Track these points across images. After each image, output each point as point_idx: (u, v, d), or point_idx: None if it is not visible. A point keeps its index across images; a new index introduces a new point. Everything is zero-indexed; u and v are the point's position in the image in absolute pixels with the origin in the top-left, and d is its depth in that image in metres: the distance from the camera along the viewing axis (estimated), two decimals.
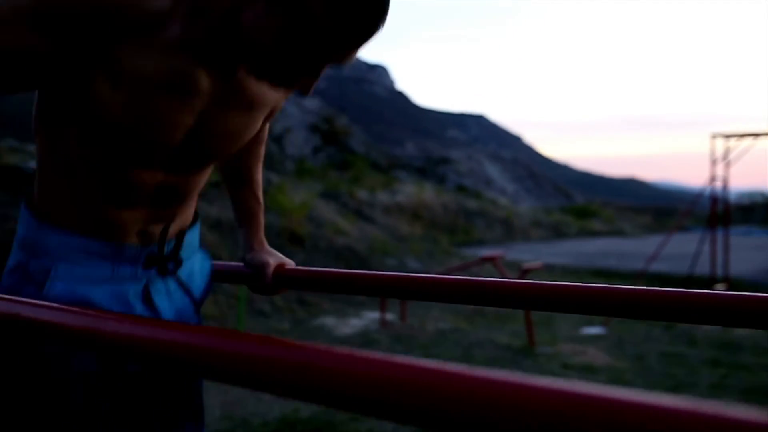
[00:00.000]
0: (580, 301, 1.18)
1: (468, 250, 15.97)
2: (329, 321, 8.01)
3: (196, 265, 1.42)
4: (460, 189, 26.72)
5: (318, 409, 4.75)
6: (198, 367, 0.71)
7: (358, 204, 16.65)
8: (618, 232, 24.35)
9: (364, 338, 7.11)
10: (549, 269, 13.39)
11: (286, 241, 9.98)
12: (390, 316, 8.23)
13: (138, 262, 1.26)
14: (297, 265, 1.56)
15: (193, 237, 1.41)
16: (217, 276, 1.55)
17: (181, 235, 1.35)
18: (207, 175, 1.33)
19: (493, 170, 37.57)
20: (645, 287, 1.14)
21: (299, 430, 4.39)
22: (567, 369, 5.84)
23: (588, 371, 5.79)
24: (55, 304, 0.87)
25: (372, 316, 8.36)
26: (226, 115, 1.19)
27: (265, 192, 12.76)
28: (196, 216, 1.42)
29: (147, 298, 1.28)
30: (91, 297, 1.18)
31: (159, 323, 0.78)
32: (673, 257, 13.41)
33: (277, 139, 29.92)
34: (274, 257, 1.52)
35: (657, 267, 12.42)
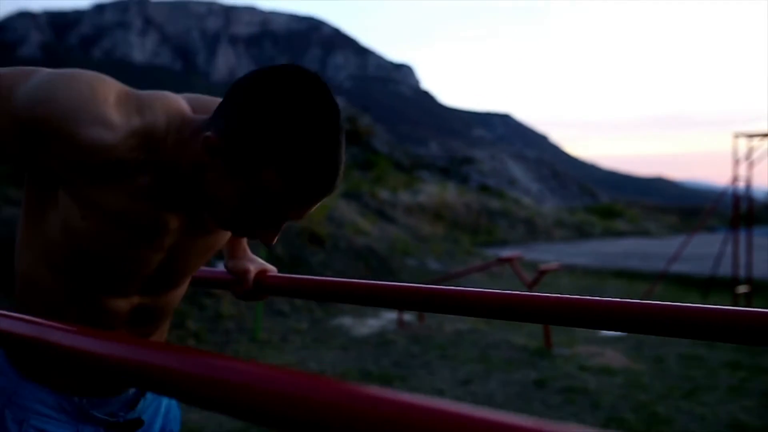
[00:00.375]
0: (595, 316, 1.15)
1: (490, 250, 15.92)
2: (347, 321, 8.04)
3: (164, 401, 1.46)
4: (483, 189, 26.61)
5: None
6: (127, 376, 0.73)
7: (380, 204, 16.67)
8: (643, 232, 24.11)
9: (381, 338, 7.13)
10: (570, 270, 13.31)
11: (306, 241, 10.02)
12: (408, 317, 8.24)
13: (101, 426, 1.31)
14: (316, 265, 1.59)
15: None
16: (202, 282, 1.58)
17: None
18: (182, 293, 1.38)
19: (516, 170, 37.38)
20: (660, 302, 1.11)
21: None
22: (584, 371, 5.81)
23: (605, 373, 5.75)
24: None
25: (390, 316, 8.37)
26: (197, 242, 1.25)
27: None
28: None
29: None
30: None
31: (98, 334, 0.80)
32: (697, 258, 13.26)
33: None
34: (255, 264, 1.55)
35: (680, 268, 12.29)
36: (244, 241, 1.58)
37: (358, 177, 21.62)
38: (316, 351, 6.58)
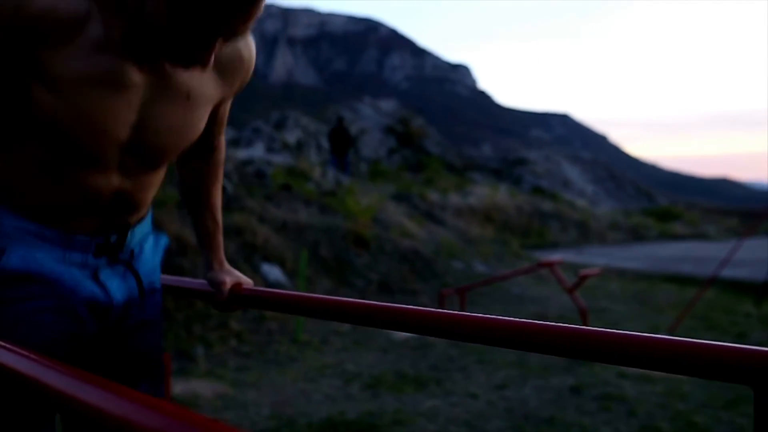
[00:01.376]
0: (632, 353, 1.10)
1: (539, 253, 15.75)
2: None
3: (147, 247, 1.52)
4: (536, 190, 26.33)
5: (363, 411, 4.83)
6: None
7: (429, 206, 16.66)
8: (701, 236, 23.49)
9: (421, 342, 7.14)
10: (621, 274, 13.07)
11: (351, 244, 10.10)
12: None
13: (89, 251, 1.36)
14: (360, 268, 1.66)
15: (143, 226, 1.50)
16: (182, 292, 1.64)
17: (129, 226, 1.44)
18: (159, 181, 1.43)
19: (571, 171, 36.85)
20: (695, 340, 1.05)
21: (342, 431, 4.47)
22: (623, 378, 5.73)
23: (644, 381, 5.66)
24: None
25: None
26: (166, 108, 1.28)
27: (333, 194, 12.95)
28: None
29: (96, 279, 1.38)
30: (44, 270, 1.29)
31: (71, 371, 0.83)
32: (755, 262, 12.87)
33: (328, 132, 30.27)
34: (232, 276, 1.61)
35: (735, 273, 11.95)
36: (221, 253, 1.64)
37: (409, 179, 21.65)
38: (355, 353, 6.64)
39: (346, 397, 5.22)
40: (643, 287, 11.77)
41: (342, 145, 17.69)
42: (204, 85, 1.33)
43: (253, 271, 8.16)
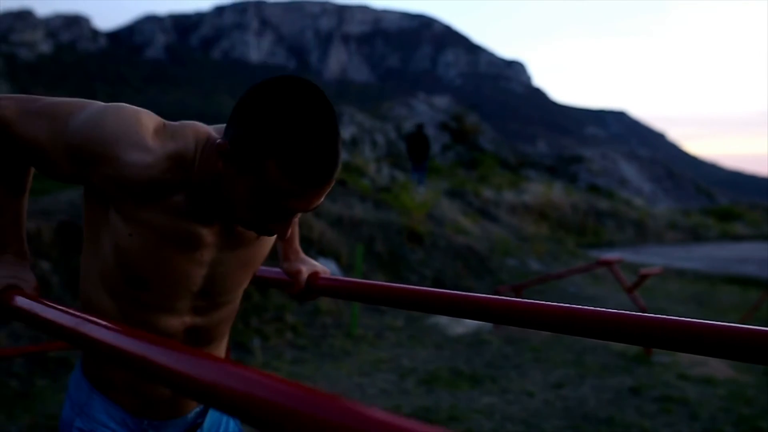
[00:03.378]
0: (693, 339, 1.07)
1: (595, 252, 15.51)
2: (443, 320, 8.04)
3: (221, 429, 1.55)
4: (592, 189, 25.92)
5: (418, 406, 4.82)
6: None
7: (483, 203, 16.56)
8: (764, 236, 22.79)
9: (476, 338, 7.11)
10: (680, 274, 12.79)
11: (405, 239, 10.10)
12: None
13: None
14: (414, 263, 1.66)
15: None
16: (259, 281, 1.66)
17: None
18: (234, 311, 1.48)
19: (628, 169, 36.16)
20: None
21: None
22: (684, 380, 5.61)
23: (707, 383, 5.53)
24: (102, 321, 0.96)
25: None
26: (237, 255, 1.36)
27: (388, 190, 12.96)
28: None
29: None
30: None
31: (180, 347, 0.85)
32: None
33: (405, 137, 30.24)
34: (308, 265, 1.64)
35: None
36: (296, 243, 1.67)
37: (463, 175, 21.54)
38: (410, 348, 6.64)
39: (401, 391, 5.22)
40: (703, 288, 11.49)
41: (420, 151, 16.98)
42: None
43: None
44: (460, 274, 9.96)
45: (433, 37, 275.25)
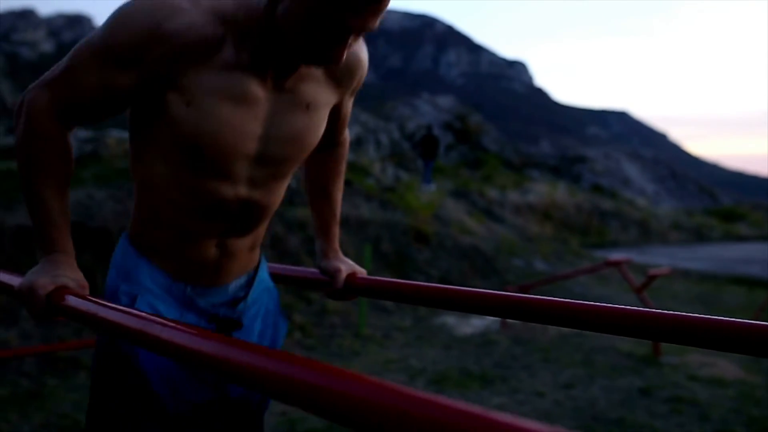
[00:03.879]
0: (705, 335, 1.09)
1: (600, 252, 15.51)
2: (450, 320, 8.05)
3: (261, 308, 1.56)
4: (596, 189, 25.88)
5: None
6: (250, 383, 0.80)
7: (488, 203, 16.56)
8: (767, 237, 22.79)
9: (484, 338, 7.11)
10: (685, 275, 12.78)
11: (412, 239, 10.10)
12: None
13: (203, 317, 1.45)
14: (421, 263, 1.67)
15: (262, 277, 1.57)
16: (295, 281, 1.67)
17: (250, 281, 1.53)
18: (283, 190, 1.49)
19: (631, 169, 36.14)
20: None
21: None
22: (693, 381, 5.61)
23: (717, 384, 5.53)
24: (150, 316, 0.98)
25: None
26: (288, 118, 1.36)
27: (393, 190, 12.97)
28: (260, 256, 1.59)
29: None
30: None
31: (224, 339, 0.87)
32: None
33: (409, 137, 30.21)
34: (346, 265, 1.64)
35: None
36: (335, 243, 1.67)
37: (467, 175, 21.54)
38: (418, 348, 6.65)
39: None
40: (709, 288, 11.49)
41: (431, 152, 17.53)
42: (321, 93, 1.40)
43: (316, 266, 8.23)
44: (466, 274, 9.97)
45: (434, 36, 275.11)
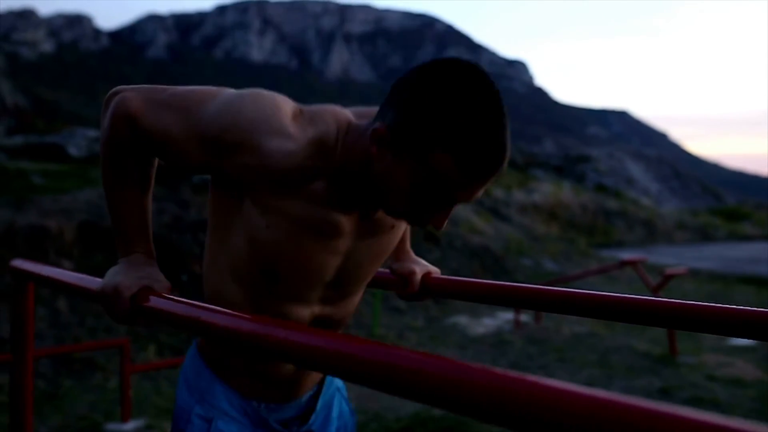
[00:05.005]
0: (721, 322, 1.14)
1: (607, 252, 15.47)
2: (462, 320, 8.02)
3: (334, 411, 1.52)
4: (600, 188, 25.82)
5: None
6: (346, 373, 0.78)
7: (494, 202, 16.52)
8: None
9: (498, 338, 7.08)
10: (694, 274, 12.74)
11: (422, 239, 10.07)
12: (524, 318, 8.14)
13: None
14: (431, 263, 1.62)
15: (331, 380, 1.53)
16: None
17: (317, 392, 1.48)
18: (358, 302, 1.44)
19: (635, 169, 36.10)
20: None
21: (431, 427, 4.44)
22: (712, 381, 5.57)
23: (735, 384, 5.49)
24: (235, 314, 0.95)
25: (506, 316, 8.30)
26: (370, 244, 1.31)
27: None
28: None
29: None
30: None
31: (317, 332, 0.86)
32: None
33: None
34: (420, 266, 1.59)
35: None
36: (408, 243, 1.62)
37: None
38: (432, 348, 6.61)
39: None
40: (719, 288, 11.46)
41: None
42: None
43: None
44: (476, 274, 9.93)
45: (435, 36, 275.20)
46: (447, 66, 1.07)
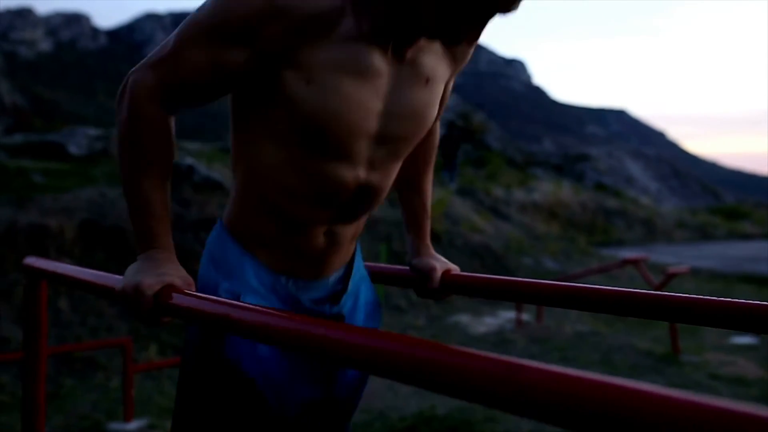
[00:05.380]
0: (726, 315, 1.16)
1: (607, 250, 15.47)
2: (464, 319, 8.02)
3: (362, 298, 1.49)
4: (600, 187, 25.84)
5: (454, 406, 4.78)
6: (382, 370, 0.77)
7: (494, 201, 16.52)
8: None
9: (499, 338, 7.07)
10: (694, 273, 12.74)
11: None
12: (526, 317, 8.13)
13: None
14: None
15: (358, 267, 1.49)
16: (383, 279, 1.61)
17: (348, 269, 1.45)
18: (395, 174, 1.40)
19: (634, 168, 36.12)
20: None
21: (435, 427, 4.43)
22: (715, 380, 5.56)
23: (739, 384, 5.48)
24: (266, 309, 0.94)
25: (507, 315, 8.29)
26: (408, 93, 1.26)
27: None
28: (356, 244, 1.50)
29: None
30: None
31: (350, 328, 0.85)
32: None
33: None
34: (441, 263, 1.56)
35: None
36: (427, 239, 1.60)
37: (472, 174, 21.50)
38: None
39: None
40: (719, 287, 11.45)
41: (453, 152, 17.67)
42: (439, 67, 1.31)
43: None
44: (477, 273, 9.91)
45: None
46: None
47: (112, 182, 8.59)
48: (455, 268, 1.57)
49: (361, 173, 1.28)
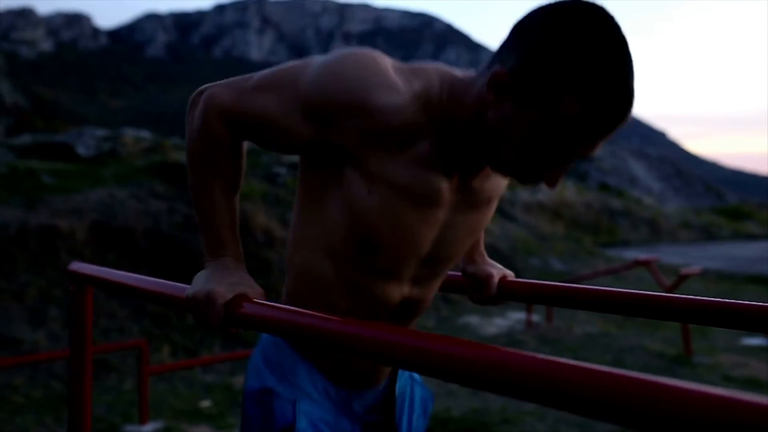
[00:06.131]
0: (739, 316, 1.18)
1: (612, 251, 15.46)
2: (474, 320, 8.01)
3: (416, 396, 1.48)
4: (603, 187, 25.82)
5: (469, 408, 4.78)
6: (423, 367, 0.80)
7: (499, 201, 16.51)
8: None
9: (510, 339, 7.06)
10: (702, 274, 12.73)
11: None
12: (536, 318, 8.12)
13: (357, 424, 1.36)
14: None
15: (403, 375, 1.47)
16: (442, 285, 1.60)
17: (393, 380, 1.43)
18: (439, 285, 1.39)
19: (637, 168, 36.10)
20: None
21: (451, 428, 4.43)
22: (729, 382, 5.55)
23: (752, 385, 5.48)
24: (336, 318, 0.94)
25: (517, 316, 8.29)
26: (466, 218, 1.25)
27: None
28: None
29: None
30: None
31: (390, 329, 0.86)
32: None
33: None
34: (497, 269, 1.54)
35: None
36: (482, 246, 1.58)
37: None
38: None
39: (447, 393, 5.17)
40: (727, 288, 11.44)
41: None
42: (500, 184, 1.31)
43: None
44: None
45: (434, 35, 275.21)
46: (574, 8, 1.01)
47: (121, 183, 8.58)
48: (510, 274, 1.55)
49: (406, 289, 1.28)
